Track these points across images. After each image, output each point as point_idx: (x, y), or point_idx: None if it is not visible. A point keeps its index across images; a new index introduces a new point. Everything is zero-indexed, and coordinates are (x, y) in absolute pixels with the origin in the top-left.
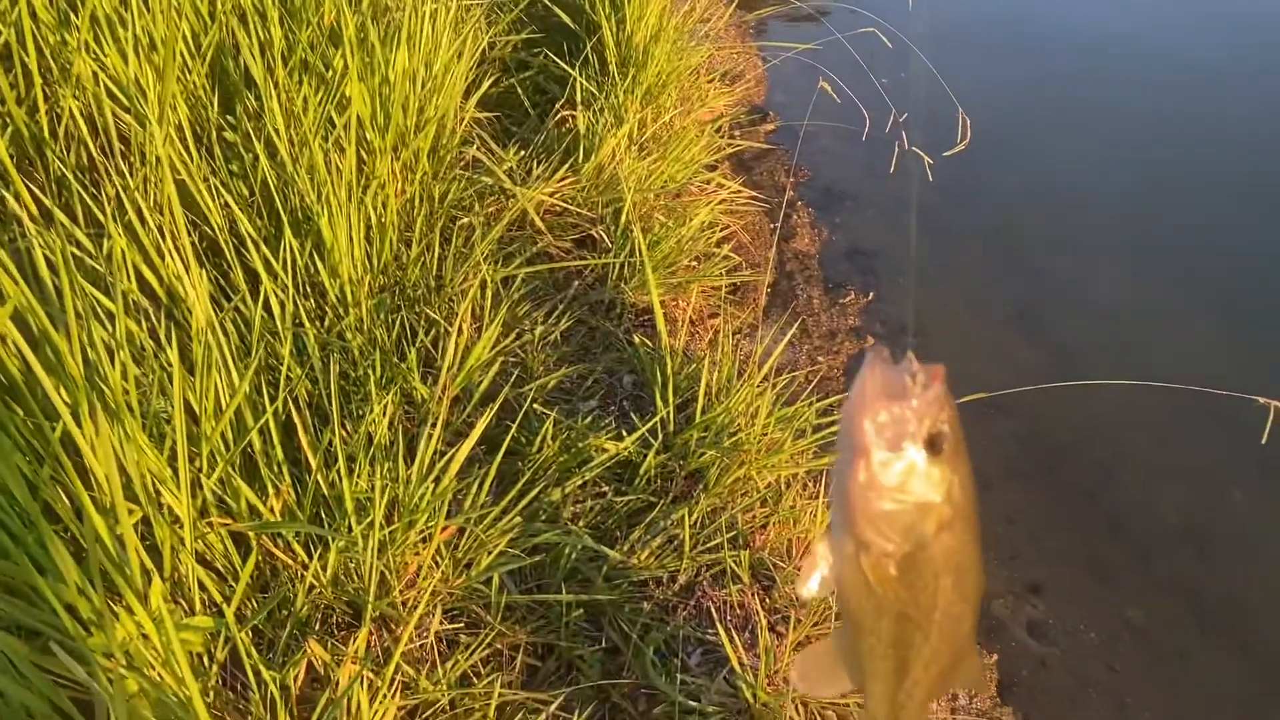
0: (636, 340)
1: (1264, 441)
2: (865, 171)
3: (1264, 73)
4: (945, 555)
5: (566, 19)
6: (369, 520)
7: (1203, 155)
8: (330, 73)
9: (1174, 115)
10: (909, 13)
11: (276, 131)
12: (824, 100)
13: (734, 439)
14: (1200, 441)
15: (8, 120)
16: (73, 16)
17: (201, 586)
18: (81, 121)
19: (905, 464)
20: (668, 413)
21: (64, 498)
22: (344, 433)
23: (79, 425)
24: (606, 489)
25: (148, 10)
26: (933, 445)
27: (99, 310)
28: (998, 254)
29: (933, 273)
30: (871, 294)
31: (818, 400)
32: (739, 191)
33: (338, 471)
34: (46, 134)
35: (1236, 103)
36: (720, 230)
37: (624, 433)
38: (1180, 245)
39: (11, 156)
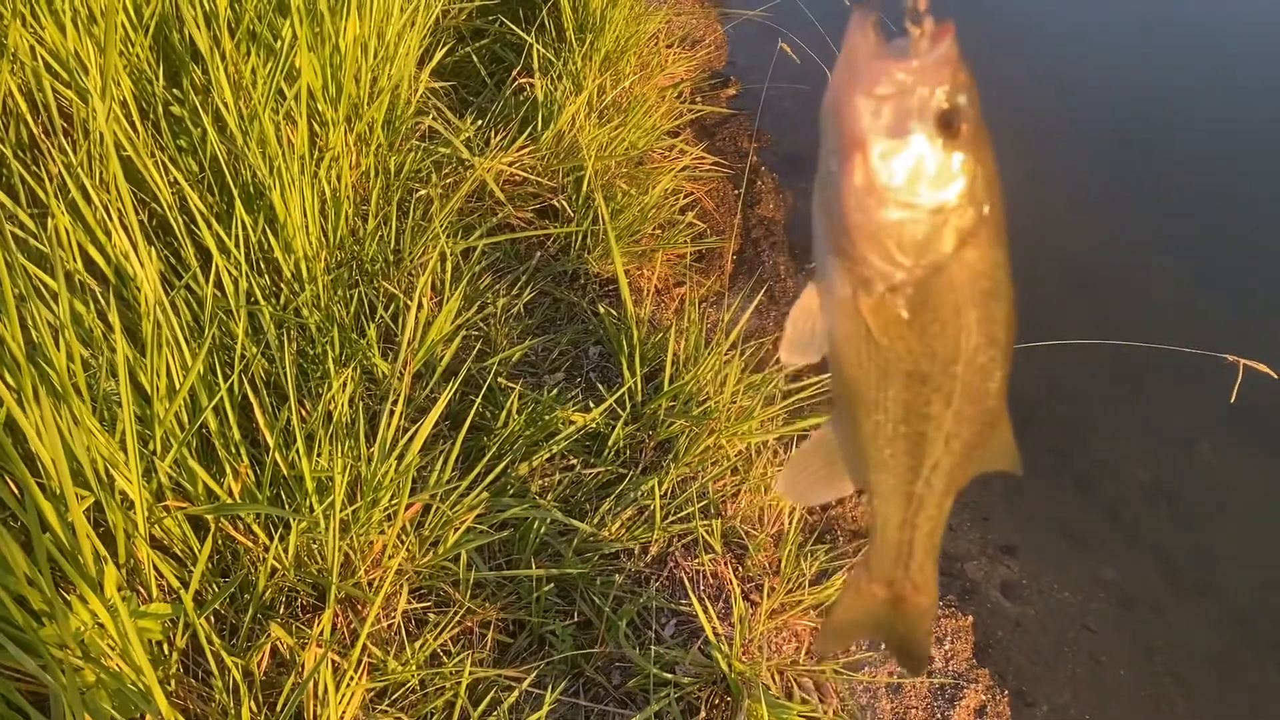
0: (601, 310)
1: (1232, 400)
2: None
3: (1238, 24)
4: (970, 279)
5: None
6: (330, 500)
7: (1169, 105)
8: (279, 43)
9: (1137, 63)
10: None
11: (225, 104)
12: (785, 63)
13: (703, 407)
14: (1167, 398)
15: None
16: None
17: (158, 572)
18: (20, 98)
19: (914, 153)
20: (635, 382)
21: (10, 484)
22: (303, 411)
23: (23, 409)
24: (575, 461)
25: None
26: (948, 124)
27: (44, 290)
28: None
29: None
30: None
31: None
32: (702, 158)
33: (297, 450)
34: None
35: (1207, 54)
36: (684, 197)
37: (591, 404)
38: (1146, 199)
39: None
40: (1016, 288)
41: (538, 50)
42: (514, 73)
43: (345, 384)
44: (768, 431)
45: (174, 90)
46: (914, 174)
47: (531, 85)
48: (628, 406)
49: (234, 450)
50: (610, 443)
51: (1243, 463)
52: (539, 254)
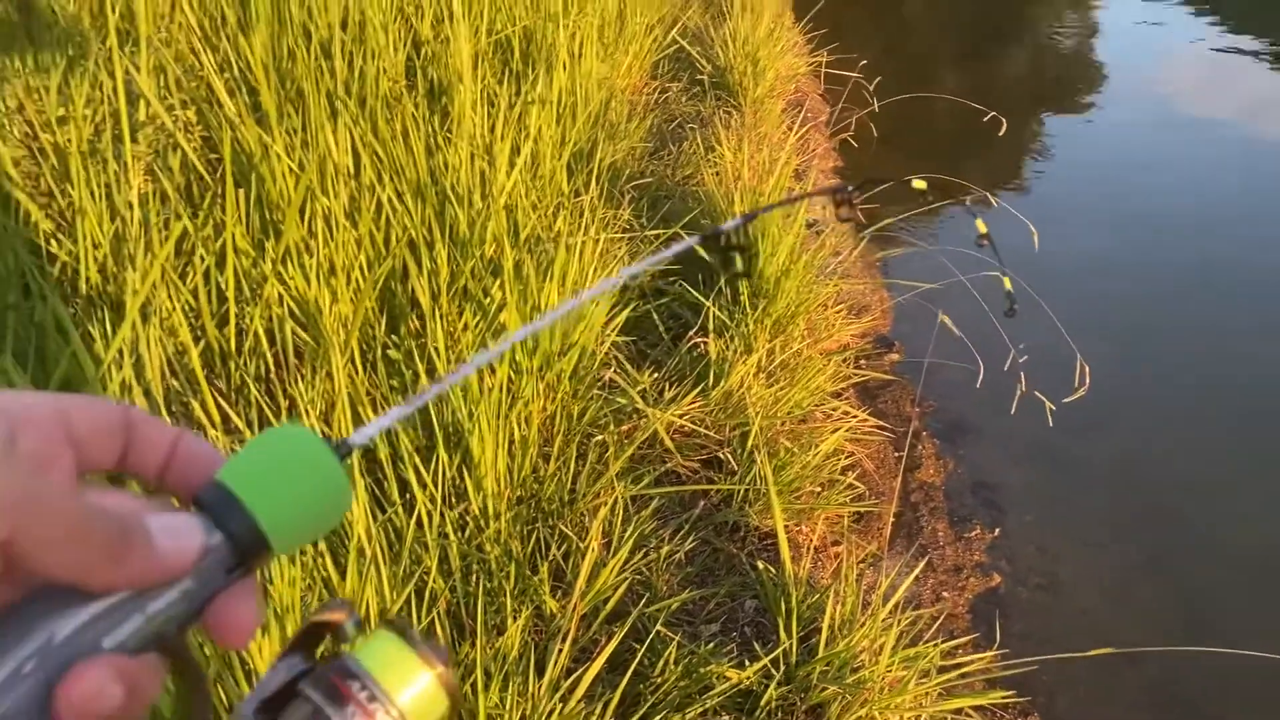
0: (760, 566)
1: None
2: (989, 406)
3: None
4: None
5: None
6: None
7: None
8: (488, 300)
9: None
10: (1035, 255)
11: (436, 350)
12: (947, 335)
13: (856, 675)
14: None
15: (201, 334)
16: (267, 246)
17: None
18: (263, 336)
19: None
20: (791, 645)
21: None
22: (482, 643)
23: None
24: (727, 717)
25: (332, 240)
26: None
27: None
28: (1125, 494)
29: (1059, 511)
30: (997, 530)
31: (943, 641)
32: (864, 420)
33: (472, 685)
34: (233, 348)
35: None
36: (845, 457)
37: (745, 661)
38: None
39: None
40: (1180, 579)
41: (713, 313)
42: (690, 331)
43: (520, 625)
44: (922, 708)
45: (393, 336)
46: None
47: (706, 344)
48: (781, 668)
49: None
50: (763, 702)
51: None
52: (702, 503)
